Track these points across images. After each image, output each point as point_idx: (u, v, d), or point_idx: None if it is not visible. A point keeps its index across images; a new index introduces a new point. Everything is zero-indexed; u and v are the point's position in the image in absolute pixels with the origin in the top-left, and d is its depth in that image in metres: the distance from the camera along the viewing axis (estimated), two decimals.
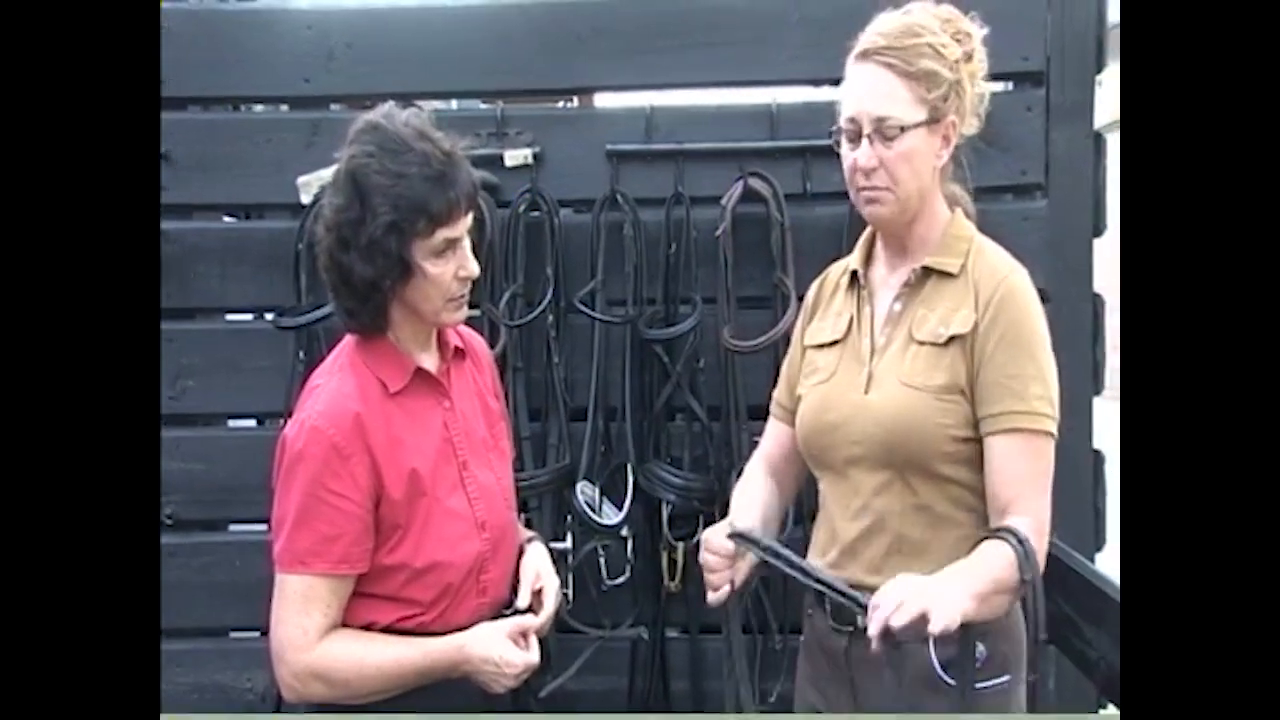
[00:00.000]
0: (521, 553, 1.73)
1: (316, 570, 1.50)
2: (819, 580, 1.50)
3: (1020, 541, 1.47)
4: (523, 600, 1.64)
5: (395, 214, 1.47)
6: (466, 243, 1.56)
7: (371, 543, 1.53)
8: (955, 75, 1.58)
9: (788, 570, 1.51)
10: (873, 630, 1.36)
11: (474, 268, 1.57)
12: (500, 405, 1.79)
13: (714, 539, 1.63)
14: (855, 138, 1.59)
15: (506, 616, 1.62)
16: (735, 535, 1.60)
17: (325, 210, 1.54)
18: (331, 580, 1.51)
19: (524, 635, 1.58)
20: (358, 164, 1.49)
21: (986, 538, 1.52)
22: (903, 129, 1.55)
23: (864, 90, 1.58)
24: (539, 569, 1.69)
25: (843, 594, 1.47)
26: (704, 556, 1.63)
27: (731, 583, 1.61)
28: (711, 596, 1.63)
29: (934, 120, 1.57)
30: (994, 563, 1.48)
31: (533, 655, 1.57)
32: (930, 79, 1.56)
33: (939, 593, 1.37)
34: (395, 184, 1.47)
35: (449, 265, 1.53)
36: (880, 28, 1.59)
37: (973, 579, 1.44)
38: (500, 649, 1.55)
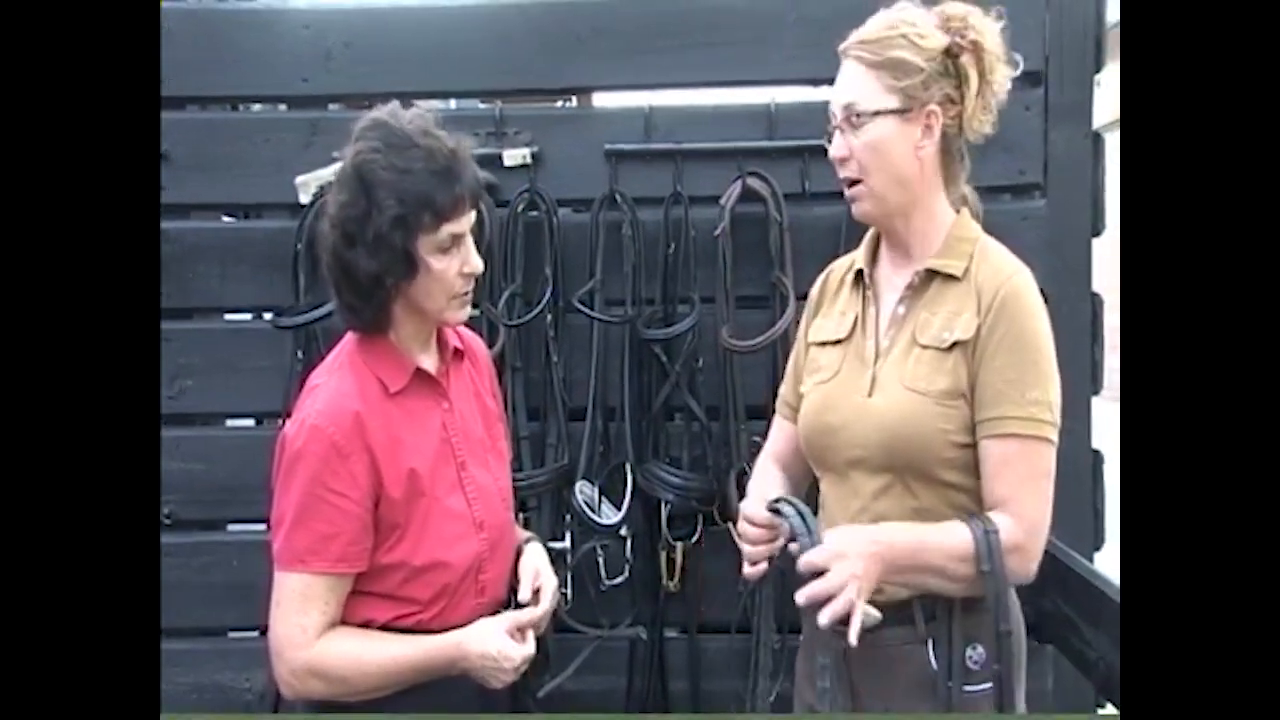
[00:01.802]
0: (519, 553, 1.73)
1: (315, 569, 1.50)
2: None
3: (986, 532, 1.49)
4: (524, 594, 1.65)
5: (401, 208, 1.48)
6: (470, 239, 1.56)
7: (370, 542, 1.53)
8: (937, 65, 1.57)
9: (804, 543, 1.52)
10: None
11: (478, 264, 1.58)
12: (498, 406, 1.80)
13: (752, 510, 1.62)
14: (834, 132, 1.62)
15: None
16: (775, 504, 1.58)
17: (329, 207, 1.54)
18: (330, 579, 1.51)
19: (520, 630, 1.59)
20: (363, 160, 1.49)
21: (958, 519, 1.53)
22: (859, 114, 1.57)
23: (838, 84, 1.62)
24: (537, 567, 1.70)
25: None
26: (743, 528, 1.62)
27: (771, 559, 1.60)
28: (748, 569, 1.63)
29: (906, 109, 1.57)
30: (934, 537, 1.51)
31: (529, 648, 1.57)
32: (899, 67, 1.56)
33: (847, 573, 1.43)
34: (401, 179, 1.48)
35: (453, 261, 1.54)
36: (863, 27, 1.61)
37: (902, 552, 1.49)
38: (498, 643, 1.55)
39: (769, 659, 1.66)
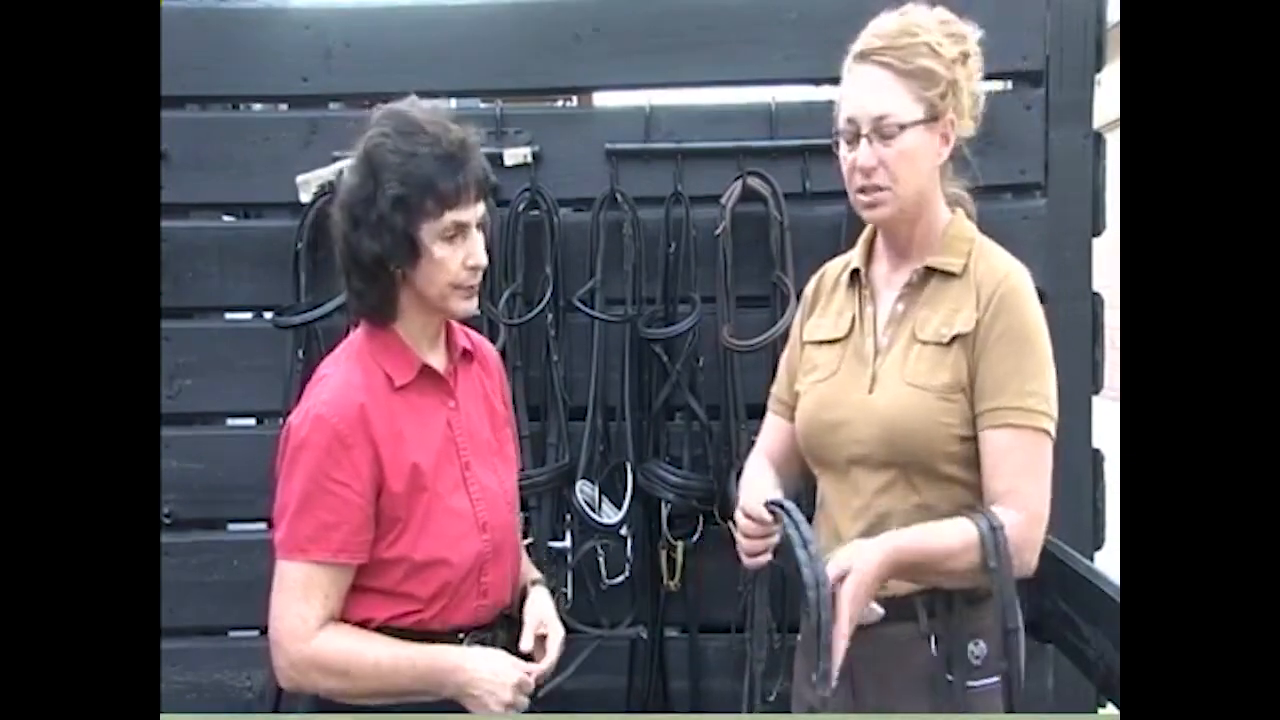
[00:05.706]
0: (525, 595, 1.72)
1: (316, 558, 1.50)
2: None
3: (992, 529, 1.48)
4: (525, 644, 1.64)
5: (402, 189, 1.50)
6: (477, 233, 1.57)
7: (371, 534, 1.54)
8: (952, 74, 1.58)
9: (800, 552, 1.46)
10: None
11: (482, 257, 1.59)
12: (508, 411, 1.80)
13: (752, 506, 1.61)
14: (854, 139, 1.58)
15: (508, 619, 1.64)
16: (772, 504, 1.55)
17: (340, 192, 1.58)
18: (331, 569, 1.52)
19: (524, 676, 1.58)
20: (373, 144, 1.53)
21: (958, 514, 1.53)
22: (901, 126, 1.55)
23: (862, 90, 1.58)
24: (543, 616, 1.69)
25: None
26: (741, 522, 1.62)
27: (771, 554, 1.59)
28: (747, 561, 1.63)
29: (932, 118, 1.57)
30: (940, 537, 1.50)
31: (523, 701, 1.56)
32: (927, 77, 1.56)
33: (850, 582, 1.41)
34: (405, 161, 1.50)
35: (457, 252, 1.55)
36: (877, 29, 1.59)
37: (908, 554, 1.48)
38: (503, 663, 1.55)
39: (766, 656, 1.65)
